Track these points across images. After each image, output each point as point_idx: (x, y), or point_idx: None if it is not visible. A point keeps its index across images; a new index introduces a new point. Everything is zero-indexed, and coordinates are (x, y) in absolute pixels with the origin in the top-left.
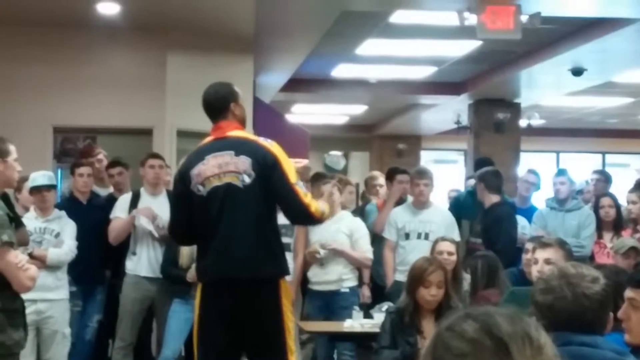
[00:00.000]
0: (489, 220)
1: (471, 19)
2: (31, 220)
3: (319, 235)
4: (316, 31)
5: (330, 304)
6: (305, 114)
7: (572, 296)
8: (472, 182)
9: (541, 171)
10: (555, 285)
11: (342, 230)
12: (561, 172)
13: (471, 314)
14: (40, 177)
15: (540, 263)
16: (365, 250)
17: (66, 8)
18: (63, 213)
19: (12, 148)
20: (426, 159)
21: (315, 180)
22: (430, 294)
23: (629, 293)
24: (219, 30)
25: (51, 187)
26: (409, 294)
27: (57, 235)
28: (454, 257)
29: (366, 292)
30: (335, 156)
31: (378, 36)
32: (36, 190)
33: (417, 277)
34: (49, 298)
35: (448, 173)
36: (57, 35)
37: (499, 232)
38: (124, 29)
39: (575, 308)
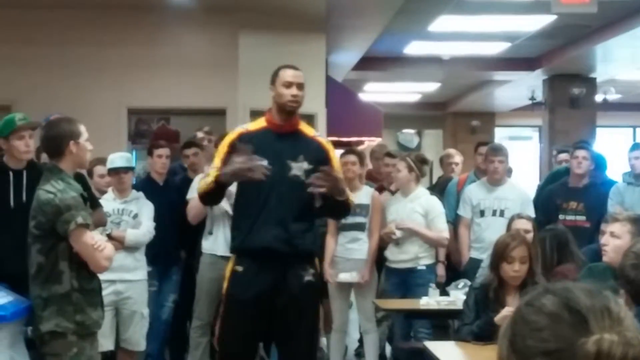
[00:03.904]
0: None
1: None
2: (109, 201)
3: (395, 214)
4: (389, 8)
5: (407, 282)
6: (378, 92)
7: None
8: (564, 156)
9: (617, 146)
10: None
11: (416, 210)
12: (636, 147)
13: (550, 289)
14: (118, 158)
15: (606, 236)
16: (441, 230)
17: None
18: (141, 194)
19: (82, 129)
20: (500, 135)
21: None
22: (514, 269)
23: None
24: (291, 9)
25: (129, 169)
26: (493, 270)
27: (135, 216)
28: (530, 235)
29: (441, 270)
30: (408, 134)
31: (451, 12)
32: (114, 172)
33: (501, 252)
34: (128, 279)
35: (523, 149)
36: (129, 18)
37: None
38: (196, 10)
39: None
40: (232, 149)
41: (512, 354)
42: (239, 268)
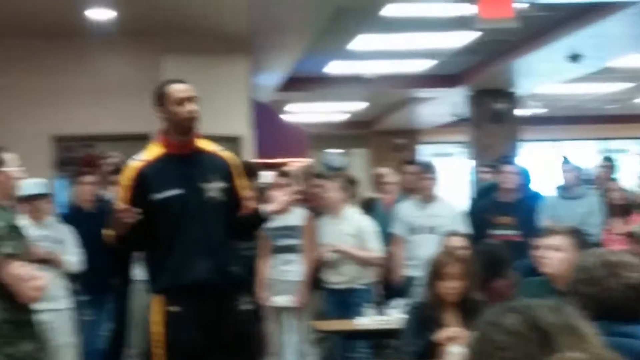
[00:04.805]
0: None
1: (468, 10)
2: (26, 229)
3: (326, 236)
4: (311, 28)
5: (346, 301)
6: (303, 112)
7: (617, 287)
8: (486, 171)
9: (541, 160)
10: (599, 275)
11: (347, 232)
12: (567, 161)
13: (513, 308)
14: (30, 185)
15: (547, 250)
16: (374, 249)
17: (58, 17)
18: (55, 219)
19: (8, 157)
20: (424, 153)
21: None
22: (450, 287)
23: None
24: (214, 32)
25: (43, 196)
26: (429, 288)
27: (58, 242)
28: (465, 251)
29: (376, 290)
30: (333, 154)
31: (371, 31)
32: (26, 199)
33: (436, 270)
34: (52, 308)
35: (447, 166)
36: (51, 44)
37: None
38: (118, 35)
39: (620, 299)
40: (138, 184)
41: None
42: (175, 309)
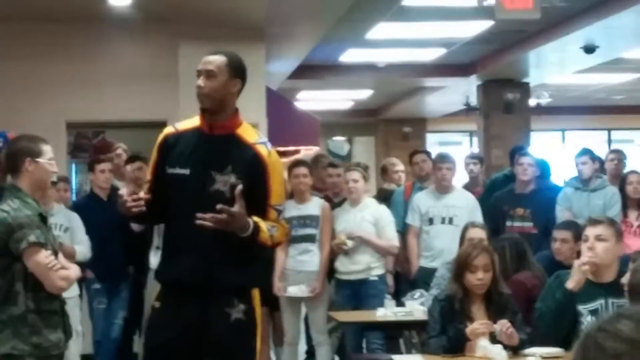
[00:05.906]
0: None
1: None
2: None
3: (345, 224)
4: (329, 17)
5: (358, 293)
6: (311, 100)
7: None
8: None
9: (548, 149)
10: None
11: (367, 219)
12: (584, 152)
13: (624, 314)
14: None
15: (591, 240)
16: (391, 238)
17: (75, 1)
18: (62, 206)
19: (45, 148)
20: (430, 141)
21: (333, 168)
22: (478, 278)
23: None
24: (230, 19)
25: (53, 183)
26: (456, 280)
27: (67, 229)
28: (485, 243)
29: (390, 280)
30: (338, 142)
31: (390, 19)
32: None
33: (463, 262)
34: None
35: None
36: (67, 30)
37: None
38: (135, 21)
39: None
40: (161, 153)
41: None
42: (157, 304)
